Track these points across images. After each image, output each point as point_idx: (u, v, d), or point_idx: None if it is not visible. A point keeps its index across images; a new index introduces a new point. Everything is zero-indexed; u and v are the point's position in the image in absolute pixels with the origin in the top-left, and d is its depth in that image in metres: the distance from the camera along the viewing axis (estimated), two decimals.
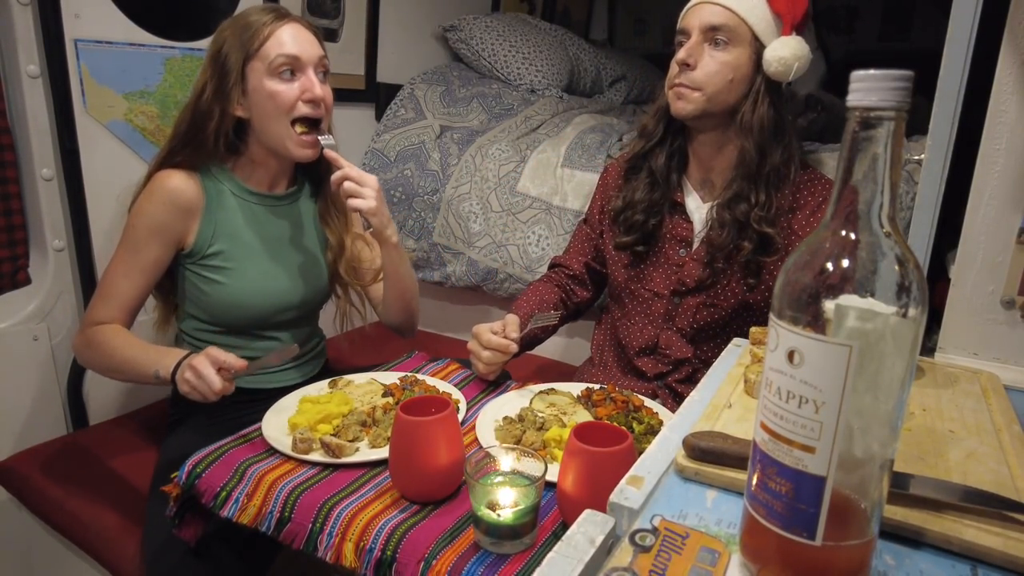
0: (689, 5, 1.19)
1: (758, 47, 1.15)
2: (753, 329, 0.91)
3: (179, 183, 1.17)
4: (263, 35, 1.14)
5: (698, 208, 1.27)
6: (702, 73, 1.16)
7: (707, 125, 1.22)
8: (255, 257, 1.25)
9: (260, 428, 1.01)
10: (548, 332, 1.36)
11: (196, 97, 1.16)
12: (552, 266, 1.47)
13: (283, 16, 1.17)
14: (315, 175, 1.34)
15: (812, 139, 1.92)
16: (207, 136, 1.16)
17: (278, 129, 1.17)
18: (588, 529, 0.52)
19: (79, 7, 1.38)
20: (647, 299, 1.32)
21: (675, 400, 1.30)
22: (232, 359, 1.02)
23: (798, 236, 1.21)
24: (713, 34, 1.15)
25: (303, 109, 1.16)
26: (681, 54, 1.18)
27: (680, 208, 1.28)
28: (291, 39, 1.15)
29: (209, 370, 1.00)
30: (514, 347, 1.16)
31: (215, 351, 1.03)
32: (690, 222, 1.27)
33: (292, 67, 1.15)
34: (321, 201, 1.34)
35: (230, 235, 1.23)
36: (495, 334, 1.16)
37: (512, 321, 1.19)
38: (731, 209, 1.19)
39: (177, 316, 1.32)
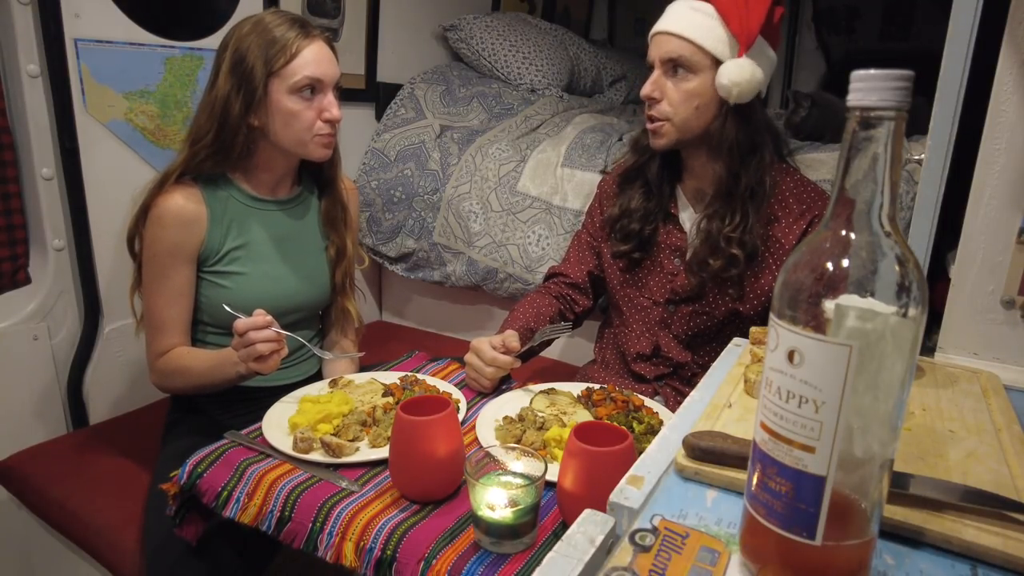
0: (651, 34, 1.20)
1: (718, 70, 1.14)
2: (753, 329, 0.91)
3: (180, 202, 1.17)
4: (289, 53, 1.14)
5: (691, 218, 1.28)
6: (667, 104, 1.18)
7: (689, 146, 1.23)
8: (261, 262, 1.26)
9: (260, 428, 1.01)
10: (551, 342, 1.36)
11: (223, 108, 1.14)
12: (549, 276, 1.46)
13: (308, 33, 1.17)
14: (321, 177, 1.34)
15: (810, 138, 1.92)
16: (236, 147, 1.17)
17: (294, 138, 1.19)
18: (588, 529, 0.52)
19: (79, 7, 1.38)
20: (645, 307, 1.32)
21: (676, 397, 1.30)
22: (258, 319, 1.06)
23: (781, 244, 1.22)
24: (673, 65, 1.16)
25: (321, 128, 1.19)
26: (645, 89, 1.20)
27: (674, 218, 1.29)
28: (315, 60, 1.16)
29: (253, 336, 1.04)
30: (518, 362, 1.16)
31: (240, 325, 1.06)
32: (683, 232, 1.28)
33: (313, 88, 1.17)
34: (327, 202, 1.34)
35: (236, 242, 1.23)
36: (494, 349, 1.15)
37: (511, 336, 1.18)
38: (706, 226, 1.21)
39: None
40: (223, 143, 1.16)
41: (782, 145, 1.27)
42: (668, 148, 1.22)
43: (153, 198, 1.18)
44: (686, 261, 1.26)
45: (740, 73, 1.11)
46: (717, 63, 1.14)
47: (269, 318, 1.06)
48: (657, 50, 1.18)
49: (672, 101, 1.17)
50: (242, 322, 1.05)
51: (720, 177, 1.20)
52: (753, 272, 1.22)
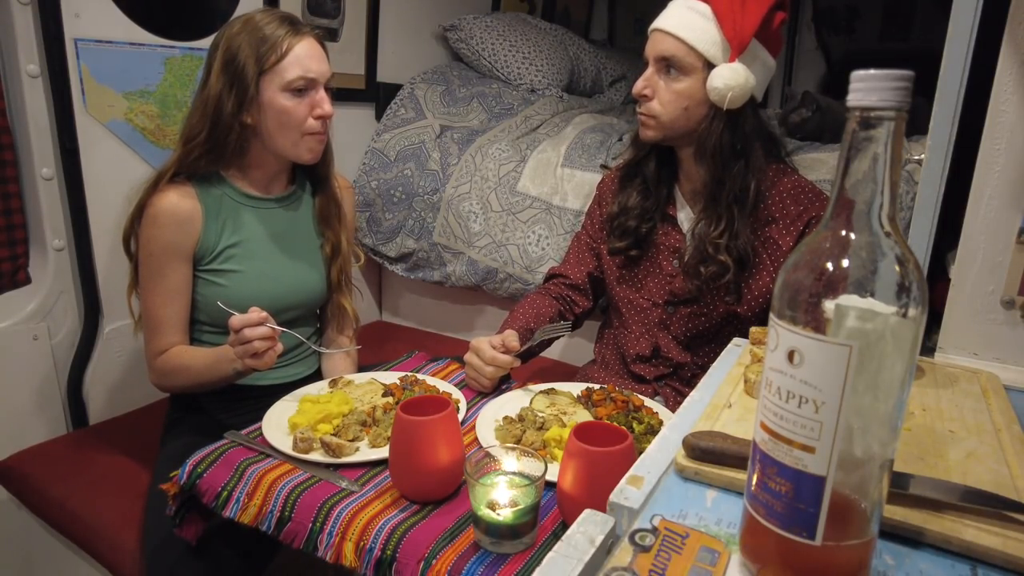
0: (650, 29, 1.20)
1: (710, 73, 1.14)
2: (753, 329, 0.91)
3: (175, 200, 1.18)
4: (280, 51, 1.14)
5: (688, 220, 1.28)
6: (657, 103, 1.19)
7: (679, 144, 1.23)
8: (256, 259, 1.26)
9: (260, 428, 1.01)
10: (550, 342, 1.35)
11: (215, 107, 1.15)
12: (549, 277, 1.45)
13: (299, 31, 1.17)
14: (315, 174, 1.34)
15: (810, 138, 1.92)
16: (228, 145, 1.17)
17: (287, 137, 1.19)
18: (588, 529, 0.52)
19: (79, 7, 1.38)
20: (644, 308, 1.33)
21: (676, 397, 1.30)
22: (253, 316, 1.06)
23: (778, 246, 1.22)
24: (665, 64, 1.16)
25: (313, 125, 1.19)
26: (637, 86, 1.20)
27: (672, 219, 1.29)
28: (307, 57, 1.16)
29: (248, 332, 1.04)
30: (517, 361, 1.17)
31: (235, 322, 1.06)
32: (681, 233, 1.28)
33: (305, 85, 1.17)
34: (320, 200, 1.34)
35: (232, 239, 1.23)
36: (494, 348, 1.15)
37: (511, 335, 1.18)
38: (698, 230, 1.21)
39: None
40: (216, 141, 1.17)
41: (778, 148, 1.27)
42: (655, 141, 1.23)
43: (148, 197, 1.18)
44: (683, 264, 1.26)
45: (735, 78, 1.11)
46: (708, 67, 1.13)
47: (264, 314, 1.06)
48: (652, 47, 1.18)
49: (662, 101, 1.18)
50: (237, 319, 1.05)
51: (705, 181, 1.20)
52: (750, 274, 1.22)
